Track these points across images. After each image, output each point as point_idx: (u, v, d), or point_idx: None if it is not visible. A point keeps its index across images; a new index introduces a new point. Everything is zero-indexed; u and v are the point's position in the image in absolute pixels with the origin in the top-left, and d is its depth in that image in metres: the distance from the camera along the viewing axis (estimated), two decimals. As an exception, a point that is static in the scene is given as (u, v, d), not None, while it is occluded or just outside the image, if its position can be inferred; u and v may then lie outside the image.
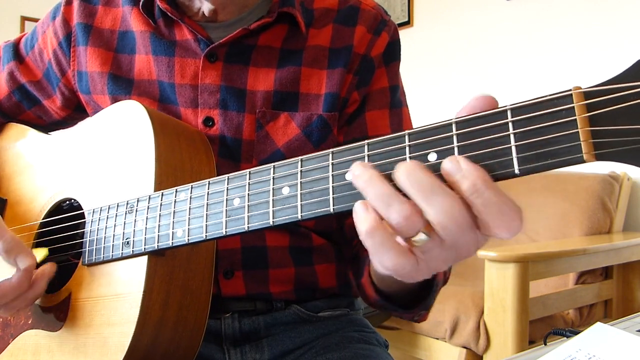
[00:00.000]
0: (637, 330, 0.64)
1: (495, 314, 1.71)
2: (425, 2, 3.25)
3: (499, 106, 0.41)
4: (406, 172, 0.40)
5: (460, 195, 0.39)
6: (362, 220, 0.42)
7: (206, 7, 0.78)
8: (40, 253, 0.70)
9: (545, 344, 0.65)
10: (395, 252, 0.41)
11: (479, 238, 0.41)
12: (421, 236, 0.41)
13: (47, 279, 0.67)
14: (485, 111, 0.41)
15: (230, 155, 0.77)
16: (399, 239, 0.42)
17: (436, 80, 3.12)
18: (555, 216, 2.25)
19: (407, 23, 3.30)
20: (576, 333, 0.58)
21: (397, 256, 0.41)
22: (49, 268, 0.67)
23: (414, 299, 0.66)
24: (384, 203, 0.41)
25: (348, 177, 0.44)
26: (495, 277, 1.70)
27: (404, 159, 0.43)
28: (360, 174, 0.42)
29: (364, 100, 0.81)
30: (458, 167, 0.39)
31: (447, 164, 0.40)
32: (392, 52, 0.83)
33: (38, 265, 0.67)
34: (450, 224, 0.39)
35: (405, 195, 0.41)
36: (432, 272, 0.44)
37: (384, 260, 0.42)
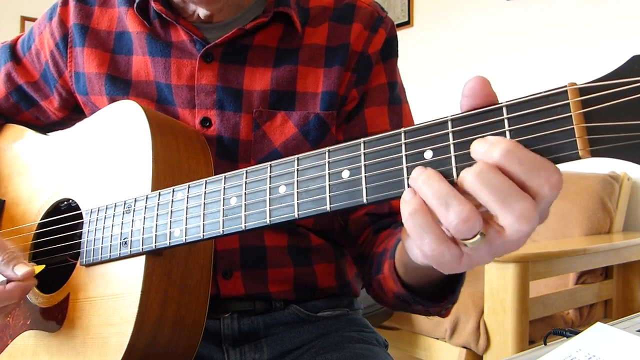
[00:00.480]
0: (637, 330, 0.64)
1: (495, 314, 1.70)
2: (425, 2, 3.25)
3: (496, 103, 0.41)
4: (476, 173, 0.38)
5: (493, 163, 0.38)
6: (407, 204, 0.41)
7: (201, 12, 0.78)
8: (38, 268, 0.69)
9: (545, 344, 0.65)
10: (435, 237, 0.40)
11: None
12: (476, 237, 0.39)
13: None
14: (481, 108, 0.41)
15: (228, 155, 0.76)
16: (444, 227, 0.40)
17: (436, 80, 3.12)
18: (555, 216, 2.25)
19: (407, 23, 3.30)
20: (576, 333, 0.58)
21: (437, 242, 0.40)
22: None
23: (438, 292, 0.64)
24: (441, 202, 0.39)
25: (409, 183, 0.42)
26: (495, 277, 1.69)
27: (400, 157, 0.43)
28: (418, 175, 0.41)
29: (362, 98, 0.80)
30: (485, 140, 0.39)
31: (476, 144, 0.39)
32: (390, 49, 0.82)
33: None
34: (527, 229, 0.38)
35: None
36: (474, 266, 0.42)
37: (423, 245, 0.41)
